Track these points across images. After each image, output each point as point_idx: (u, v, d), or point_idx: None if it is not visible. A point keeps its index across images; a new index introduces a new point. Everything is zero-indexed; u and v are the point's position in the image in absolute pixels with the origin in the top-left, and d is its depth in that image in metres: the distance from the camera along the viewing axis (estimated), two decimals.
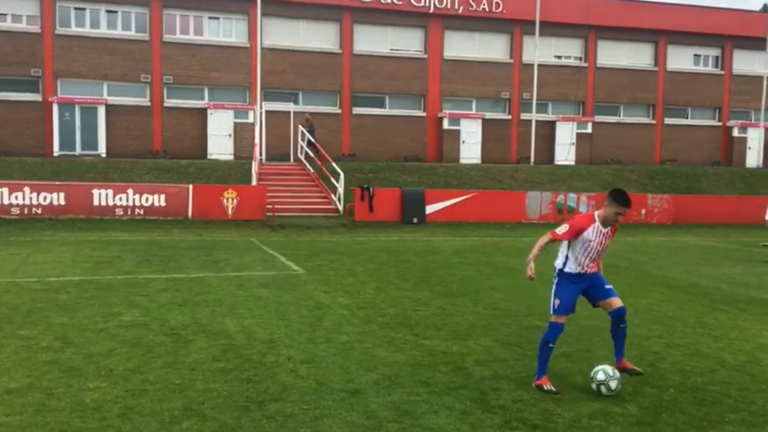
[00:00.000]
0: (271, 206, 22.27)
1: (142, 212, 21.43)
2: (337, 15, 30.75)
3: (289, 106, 29.60)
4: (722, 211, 26.84)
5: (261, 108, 27.92)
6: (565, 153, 32.59)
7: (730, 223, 25.74)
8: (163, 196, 21.67)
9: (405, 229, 22.03)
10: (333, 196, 24.56)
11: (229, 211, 21.94)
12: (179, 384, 5.93)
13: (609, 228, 5.93)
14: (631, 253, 16.86)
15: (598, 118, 33.83)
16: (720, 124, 35.96)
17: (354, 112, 31.26)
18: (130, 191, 21.52)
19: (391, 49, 31.66)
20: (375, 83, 31.38)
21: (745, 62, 35.88)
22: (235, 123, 28.72)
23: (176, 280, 11.26)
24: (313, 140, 27.59)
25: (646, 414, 5.45)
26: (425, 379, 6.22)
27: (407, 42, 31.91)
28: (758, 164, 34.52)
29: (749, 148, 35.08)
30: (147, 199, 21.52)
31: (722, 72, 35.97)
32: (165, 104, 29.12)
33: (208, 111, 28.77)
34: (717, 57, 36.08)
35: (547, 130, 32.68)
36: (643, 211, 26.33)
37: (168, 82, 29.04)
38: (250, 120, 28.41)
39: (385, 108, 31.87)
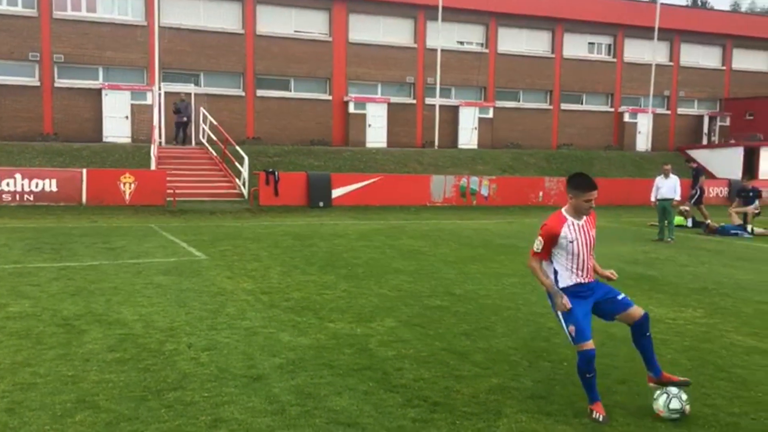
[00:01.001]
0: (171, 191, 21.63)
1: (31, 198, 20.32)
2: None
3: (189, 88, 28.71)
4: (614, 193, 28.14)
5: (160, 89, 26.97)
6: (468, 137, 33.29)
7: (621, 204, 27.06)
8: (54, 181, 20.62)
9: (311, 213, 21.94)
10: (237, 180, 24.12)
11: (127, 197, 21.14)
12: (72, 376, 5.69)
13: (585, 219, 5.35)
14: (529, 233, 17.43)
15: (499, 104, 34.72)
16: (612, 109, 37.68)
17: (258, 94, 30.71)
18: (18, 176, 20.35)
19: (296, 31, 31.27)
20: (279, 65, 30.93)
21: (636, 50, 37.68)
22: (132, 104, 27.59)
23: (69, 268, 10.77)
24: (183, 121, 26.86)
25: (541, 387, 5.69)
26: (329, 361, 6.23)
27: (312, 24, 31.59)
28: (647, 148, 36.45)
29: (639, 132, 36.96)
30: (37, 184, 20.42)
31: (614, 60, 37.64)
32: (56, 84, 27.63)
33: (103, 92, 27.52)
34: (610, 45, 37.71)
35: (451, 115, 33.25)
36: (541, 193, 27.31)
37: (59, 61, 27.56)
38: (149, 102, 27.40)
39: (291, 91, 31.49)
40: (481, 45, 34.85)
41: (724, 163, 33.94)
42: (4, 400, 5.13)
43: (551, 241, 5.27)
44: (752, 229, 18.54)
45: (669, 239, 16.37)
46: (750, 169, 33.07)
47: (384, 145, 31.26)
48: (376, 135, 31.44)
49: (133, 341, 6.75)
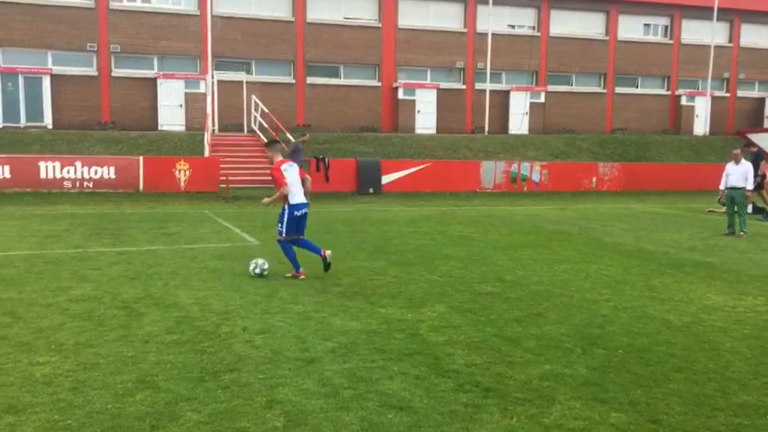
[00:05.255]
0: (224, 178, 22.00)
1: (91, 185, 20.96)
2: None
3: (241, 76, 29.10)
4: (670, 178, 27.52)
5: (212, 77, 27.39)
6: (518, 122, 32.85)
7: (677, 190, 26.40)
8: (112, 168, 21.22)
9: (361, 199, 22.04)
10: None
11: (182, 183, 21.60)
12: (132, 357, 5.87)
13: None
14: (581, 220, 17.19)
15: (551, 88, 34.12)
16: (669, 92, 36.64)
17: (308, 81, 30.89)
18: (78, 163, 21.01)
19: (345, 18, 31.29)
20: (329, 52, 31.02)
21: (693, 32, 36.50)
22: (186, 93, 28.11)
23: (128, 253, 11.08)
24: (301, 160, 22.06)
25: (595, 374, 5.61)
26: (380, 346, 6.27)
27: (361, 10, 31.56)
28: (705, 132, 35.37)
29: (696, 116, 35.85)
30: (96, 172, 21.04)
31: (671, 41, 36.55)
32: (113, 74, 28.32)
33: (158, 81, 28.10)
34: (666, 26, 36.62)
35: (501, 100, 32.85)
36: (594, 179, 26.82)
37: (115, 51, 28.22)
38: (202, 90, 27.86)
39: (340, 78, 31.58)
40: (533, 28, 34.25)
41: None
42: (69, 379, 5.32)
43: (280, 166, 9.21)
44: None
45: (741, 233, 14.56)
46: None
47: (433, 131, 31.11)
48: (426, 121, 31.30)
49: (190, 324, 6.92)
